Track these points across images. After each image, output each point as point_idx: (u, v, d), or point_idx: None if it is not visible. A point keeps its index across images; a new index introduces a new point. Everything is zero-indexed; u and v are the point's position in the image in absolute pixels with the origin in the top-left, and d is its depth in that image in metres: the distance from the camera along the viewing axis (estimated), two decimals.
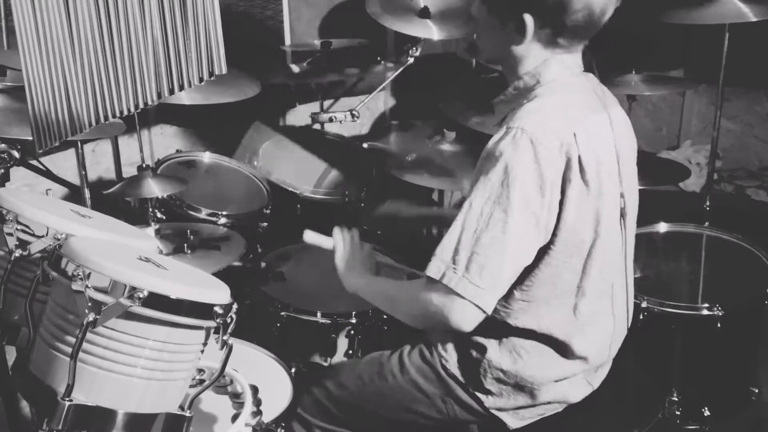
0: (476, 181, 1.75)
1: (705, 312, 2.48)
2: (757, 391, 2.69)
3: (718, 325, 2.46)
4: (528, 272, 1.81)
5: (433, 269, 1.74)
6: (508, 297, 1.85)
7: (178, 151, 3.08)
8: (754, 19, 2.96)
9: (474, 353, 1.93)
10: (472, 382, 1.94)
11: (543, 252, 1.79)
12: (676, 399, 2.57)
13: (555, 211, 1.75)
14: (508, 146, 1.71)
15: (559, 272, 1.83)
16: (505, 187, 1.70)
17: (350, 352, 2.36)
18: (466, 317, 1.74)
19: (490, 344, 1.91)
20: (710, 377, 2.60)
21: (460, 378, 1.95)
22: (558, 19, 1.76)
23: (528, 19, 1.76)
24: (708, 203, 3.41)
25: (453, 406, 1.98)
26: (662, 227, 2.86)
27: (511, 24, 1.79)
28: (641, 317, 2.49)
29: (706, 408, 2.58)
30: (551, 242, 1.78)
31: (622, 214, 1.91)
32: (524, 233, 1.71)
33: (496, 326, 1.90)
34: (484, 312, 1.72)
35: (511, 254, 1.71)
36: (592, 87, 1.89)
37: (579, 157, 1.75)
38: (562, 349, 1.90)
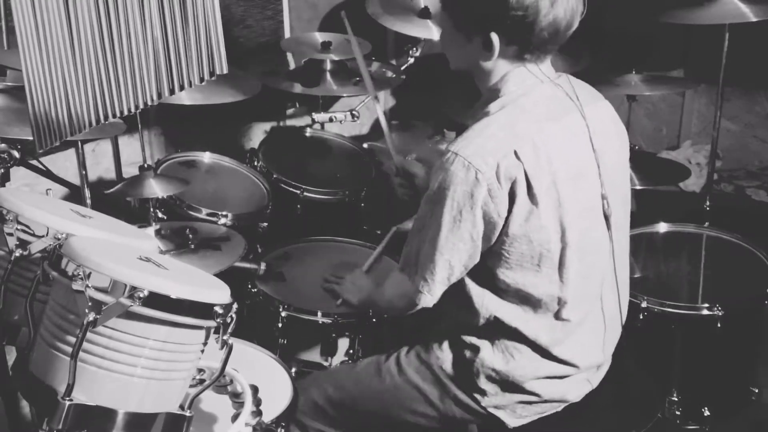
0: (425, 196, 1.87)
1: (705, 312, 2.48)
2: (757, 391, 2.69)
3: (718, 325, 2.46)
4: (503, 277, 1.86)
5: (399, 266, 1.98)
6: (498, 293, 1.89)
7: (178, 151, 3.08)
8: (754, 19, 2.96)
9: (468, 354, 1.95)
10: (467, 383, 1.95)
11: (503, 259, 1.84)
12: (676, 399, 2.57)
13: (494, 225, 1.79)
14: (442, 168, 1.80)
15: (534, 281, 1.86)
16: (438, 204, 1.81)
17: (351, 351, 2.36)
18: (410, 307, 1.95)
19: (484, 345, 1.93)
20: (710, 377, 2.60)
21: (456, 378, 1.96)
22: (524, 37, 1.77)
23: (494, 37, 1.77)
24: (708, 203, 3.41)
25: (451, 406, 1.99)
26: (662, 227, 2.86)
27: (477, 40, 1.80)
28: (641, 317, 2.49)
29: (706, 408, 2.58)
30: (505, 251, 1.83)
31: (606, 216, 1.90)
32: (453, 247, 1.82)
33: (489, 327, 1.91)
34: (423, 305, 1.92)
35: (443, 262, 1.84)
36: (558, 91, 1.87)
37: (525, 173, 1.77)
38: (546, 353, 1.92)
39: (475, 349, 1.94)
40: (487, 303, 1.89)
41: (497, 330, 1.91)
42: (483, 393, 1.95)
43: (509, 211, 1.79)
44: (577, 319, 1.91)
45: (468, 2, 1.79)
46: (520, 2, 1.71)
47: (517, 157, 1.76)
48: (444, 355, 1.98)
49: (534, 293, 1.87)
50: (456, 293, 1.91)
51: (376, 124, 4.13)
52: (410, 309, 1.96)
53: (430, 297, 1.88)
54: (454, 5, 1.83)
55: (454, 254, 1.83)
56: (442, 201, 1.79)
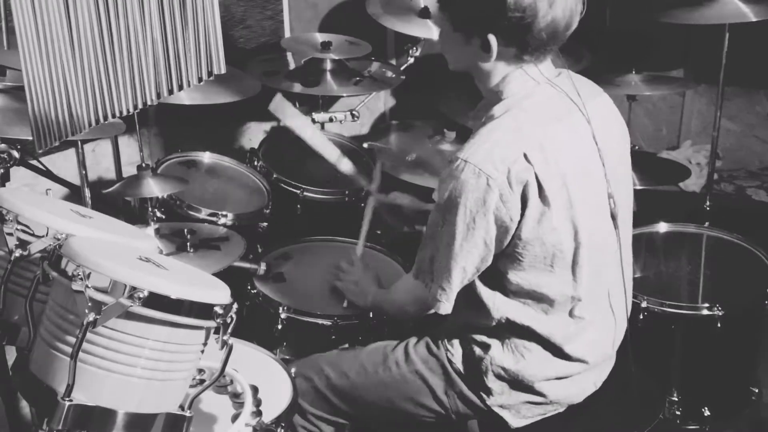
0: (435, 204, 1.86)
1: (705, 312, 2.48)
2: (757, 391, 2.69)
3: (718, 325, 2.46)
4: (516, 278, 1.86)
5: (413, 272, 1.97)
6: (509, 294, 1.89)
7: (178, 150, 3.08)
8: (754, 19, 2.96)
9: (477, 351, 1.95)
10: (475, 380, 1.96)
11: (516, 262, 1.84)
12: (676, 399, 2.57)
13: (506, 229, 1.79)
14: (452, 176, 1.78)
15: (547, 282, 1.86)
16: (450, 213, 1.80)
17: None
18: (424, 312, 1.99)
19: (494, 343, 1.93)
20: (710, 377, 2.60)
21: (464, 374, 1.96)
22: (522, 38, 1.76)
23: (492, 39, 1.76)
24: (708, 203, 3.41)
25: (455, 401, 1.99)
26: (662, 227, 2.86)
27: (475, 41, 1.79)
28: (641, 317, 2.48)
29: (706, 408, 2.58)
30: (519, 254, 1.83)
31: (613, 216, 1.90)
32: (468, 253, 1.82)
33: (501, 327, 1.91)
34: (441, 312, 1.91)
35: (458, 270, 1.84)
36: (560, 90, 1.86)
37: (536, 176, 1.76)
38: (558, 351, 1.92)
39: (486, 347, 1.94)
40: (498, 304, 1.89)
41: (509, 330, 1.92)
42: (489, 392, 1.95)
43: (522, 215, 1.78)
44: (589, 316, 1.92)
45: (465, 3, 1.78)
46: (518, 4, 1.69)
47: (527, 160, 1.76)
48: (454, 350, 1.98)
49: (548, 293, 1.87)
50: (466, 296, 1.91)
51: (376, 124, 4.13)
52: (423, 314, 1.97)
53: (448, 304, 1.89)
54: (451, 6, 1.82)
55: (469, 260, 1.83)
56: (455, 209, 1.79)
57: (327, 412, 2.09)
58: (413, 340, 2.06)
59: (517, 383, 1.93)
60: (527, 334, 1.90)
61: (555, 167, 1.78)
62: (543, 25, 1.72)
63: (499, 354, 1.92)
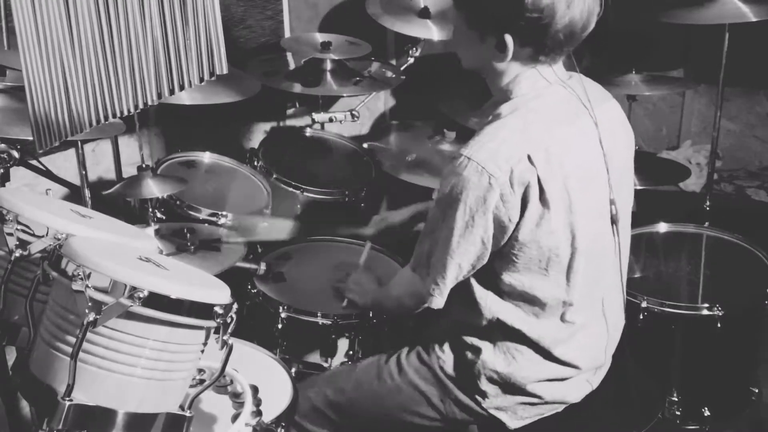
0: (436, 199, 1.86)
1: (705, 312, 2.48)
2: (757, 391, 2.69)
3: (718, 325, 2.46)
4: (510, 279, 1.86)
5: (411, 265, 1.96)
6: (501, 295, 1.89)
7: (178, 151, 3.08)
8: (754, 19, 2.96)
9: (469, 355, 1.94)
10: (468, 384, 1.95)
11: (511, 263, 1.84)
12: (676, 399, 2.57)
13: (504, 229, 1.79)
14: (454, 173, 1.77)
15: (540, 285, 1.86)
16: (450, 209, 1.79)
17: (350, 352, 2.36)
18: (420, 306, 1.97)
19: (485, 346, 1.93)
20: (710, 377, 2.60)
21: (457, 379, 1.96)
22: (539, 39, 1.74)
23: (509, 39, 1.74)
24: (708, 203, 3.41)
25: (452, 407, 1.99)
26: (662, 227, 2.86)
27: (490, 40, 1.77)
28: (641, 317, 2.49)
29: (706, 408, 2.58)
30: (514, 255, 1.82)
31: (614, 221, 1.90)
32: (465, 251, 1.81)
33: (491, 328, 1.91)
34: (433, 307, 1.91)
35: (454, 266, 1.84)
36: (570, 92, 1.85)
37: (538, 178, 1.75)
38: (548, 355, 1.91)
39: (477, 351, 1.93)
40: (490, 304, 1.89)
41: (499, 331, 1.91)
42: (484, 395, 1.95)
43: (521, 216, 1.78)
44: (581, 321, 1.91)
45: (482, 2, 1.75)
46: (536, 4, 1.67)
47: (531, 162, 1.75)
48: (445, 356, 1.98)
49: (540, 296, 1.86)
50: (459, 293, 1.91)
51: (376, 124, 4.13)
52: (419, 308, 1.97)
53: (440, 299, 1.88)
54: (467, 4, 1.79)
55: (465, 257, 1.82)
56: (455, 205, 1.78)
57: (327, 428, 2.10)
58: (405, 350, 2.06)
59: (509, 386, 1.93)
60: (517, 336, 1.90)
61: (558, 170, 1.78)
62: (560, 26, 1.70)
63: (491, 357, 1.92)
